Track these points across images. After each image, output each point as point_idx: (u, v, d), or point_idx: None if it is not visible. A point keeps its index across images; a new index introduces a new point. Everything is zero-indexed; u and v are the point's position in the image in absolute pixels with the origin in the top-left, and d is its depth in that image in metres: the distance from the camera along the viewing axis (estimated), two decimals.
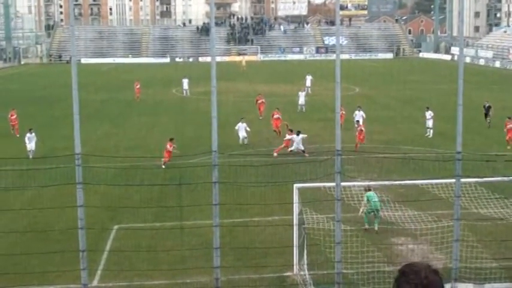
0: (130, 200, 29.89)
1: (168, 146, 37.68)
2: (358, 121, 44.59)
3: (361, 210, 25.06)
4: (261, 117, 53.11)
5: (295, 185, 21.04)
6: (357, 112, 46.92)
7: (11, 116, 48.97)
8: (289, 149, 39.31)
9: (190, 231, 25.44)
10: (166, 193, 31.17)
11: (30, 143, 40.26)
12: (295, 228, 20.48)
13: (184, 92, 71.65)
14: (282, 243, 22.42)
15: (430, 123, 46.26)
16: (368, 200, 24.85)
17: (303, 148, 39.27)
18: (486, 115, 50.29)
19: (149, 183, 31.37)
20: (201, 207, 27.59)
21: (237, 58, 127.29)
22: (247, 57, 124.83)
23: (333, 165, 33.05)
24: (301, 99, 59.50)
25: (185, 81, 72.14)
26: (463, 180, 18.60)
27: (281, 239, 23.32)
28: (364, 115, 46.65)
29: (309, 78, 72.87)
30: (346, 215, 21.61)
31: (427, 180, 22.41)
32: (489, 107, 50.28)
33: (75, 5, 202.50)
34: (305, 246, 20.35)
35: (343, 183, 19.07)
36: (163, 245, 23.98)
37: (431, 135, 45.72)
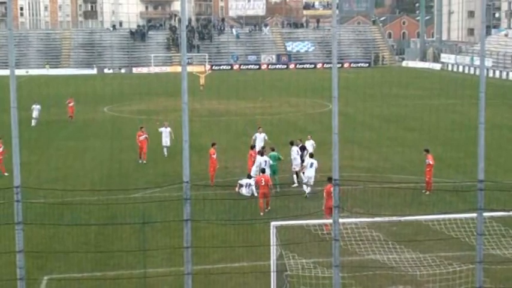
0: (61, 244, 29.55)
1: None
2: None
3: None
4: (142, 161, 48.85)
5: (272, 223, 20.96)
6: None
7: None
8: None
9: (139, 281, 25.25)
10: (105, 235, 30.93)
11: None
12: (273, 275, 20.46)
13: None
14: None
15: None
16: None
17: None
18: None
19: (86, 223, 31.15)
20: (150, 252, 27.52)
21: (195, 70, 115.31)
22: (195, 69, 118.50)
23: (312, 200, 33.60)
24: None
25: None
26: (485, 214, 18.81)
27: None
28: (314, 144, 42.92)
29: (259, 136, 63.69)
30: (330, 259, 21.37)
31: (432, 216, 22.55)
32: (303, 148, 41.17)
33: None
34: None
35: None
36: None
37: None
